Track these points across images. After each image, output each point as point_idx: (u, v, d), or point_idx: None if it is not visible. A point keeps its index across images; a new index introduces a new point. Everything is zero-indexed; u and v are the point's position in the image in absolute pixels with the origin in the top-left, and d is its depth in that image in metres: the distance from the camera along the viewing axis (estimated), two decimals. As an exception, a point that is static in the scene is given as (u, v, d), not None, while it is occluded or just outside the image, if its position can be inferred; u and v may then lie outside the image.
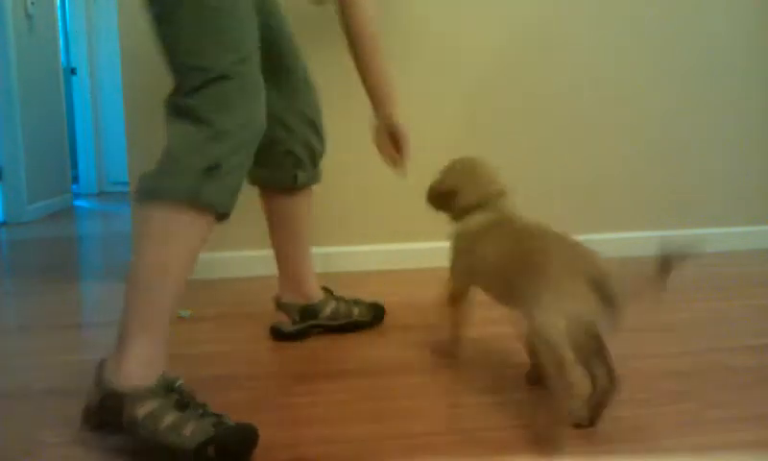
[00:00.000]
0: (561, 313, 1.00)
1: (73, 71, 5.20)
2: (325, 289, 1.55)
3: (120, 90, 2.05)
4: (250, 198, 2.08)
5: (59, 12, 4.58)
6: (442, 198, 1.33)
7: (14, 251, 2.78)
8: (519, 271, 1.10)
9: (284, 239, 1.49)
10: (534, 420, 1.09)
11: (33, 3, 3.80)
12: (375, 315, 1.59)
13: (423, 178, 1.44)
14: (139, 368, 1.00)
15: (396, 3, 2.12)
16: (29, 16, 3.78)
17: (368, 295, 1.70)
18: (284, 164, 1.42)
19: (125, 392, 0.97)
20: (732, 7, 2.35)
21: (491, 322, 1.61)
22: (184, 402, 0.99)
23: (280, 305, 1.52)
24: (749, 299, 1.81)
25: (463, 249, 1.28)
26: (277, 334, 1.50)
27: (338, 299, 1.56)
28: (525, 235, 1.17)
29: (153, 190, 1.03)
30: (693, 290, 1.92)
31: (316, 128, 1.47)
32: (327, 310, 1.53)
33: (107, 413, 0.98)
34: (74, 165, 5.17)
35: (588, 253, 1.07)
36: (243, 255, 2.11)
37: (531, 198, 2.29)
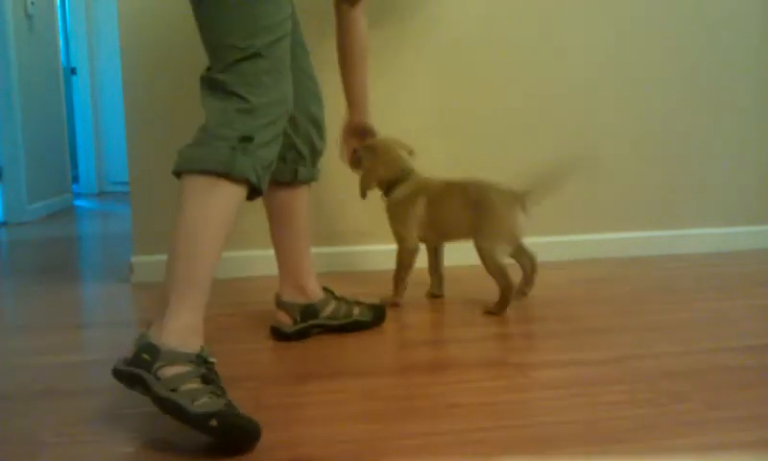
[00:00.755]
0: (501, 238, 1.64)
1: (73, 71, 5.20)
2: (326, 289, 1.55)
3: (120, 90, 2.05)
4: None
5: (59, 12, 4.59)
6: (369, 180, 1.71)
7: (14, 251, 2.78)
8: (471, 212, 1.65)
9: (284, 235, 1.50)
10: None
11: (33, 3, 3.80)
12: (376, 316, 1.59)
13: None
14: (184, 332, 1.04)
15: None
16: (29, 16, 3.79)
17: (367, 294, 1.70)
18: (286, 158, 1.43)
19: (163, 349, 1.01)
20: (732, 7, 2.35)
21: (491, 322, 1.61)
22: (210, 378, 1.02)
23: (280, 304, 1.52)
24: (749, 299, 1.81)
25: (399, 214, 1.70)
26: (278, 335, 1.50)
27: (339, 299, 1.56)
28: (460, 188, 1.68)
29: (189, 160, 1.08)
30: (693, 290, 1.92)
31: (319, 125, 1.48)
32: (328, 310, 1.53)
33: (137, 364, 1.01)
34: (74, 165, 5.17)
35: (509, 188, 1.66)
36: (243, 255, 2.11)
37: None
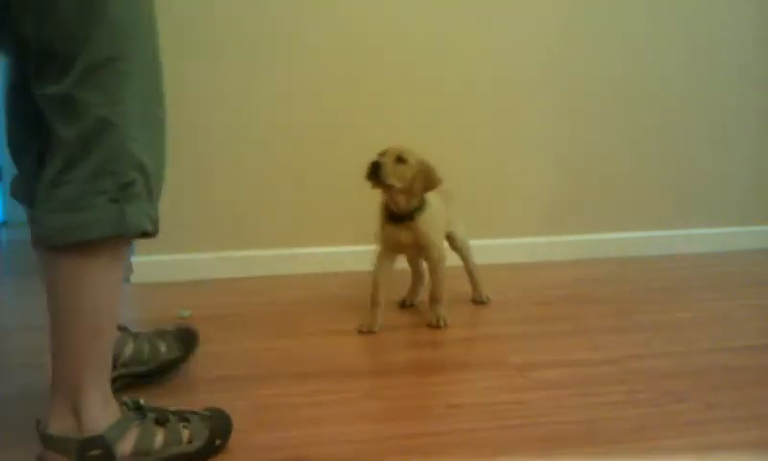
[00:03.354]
0: (440, 234, 1.63)
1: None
2: (120, 328, 1.21)
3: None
4: (248, 199, 2.09)
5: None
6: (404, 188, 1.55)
7: (14, 251, 2.78)
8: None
9: None
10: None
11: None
12: (187, 346, 1.31)
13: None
14: (101, 408, 0.91)
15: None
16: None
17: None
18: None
19: (104, 434, 0.89)
20: (732, 7, 2.35)
21: (491, 322, 1.61)
22: (163, 418, 0.97)
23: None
24: (749, 299, 1.81)
25: (438, 226, 1.64)
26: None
27: (136, 336, 1.26)
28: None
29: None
30: (693, 290, 1.92)
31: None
32: (126, 354, 1.22)
33: None
34: (74, 165, 5.15)
35: (441, 196, 1.62)
36: (243, 255, 2.10)
37: (530, 198, 2.30)
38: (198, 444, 0.97)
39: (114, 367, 1.18)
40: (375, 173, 1.43)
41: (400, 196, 1.50)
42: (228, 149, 2.05)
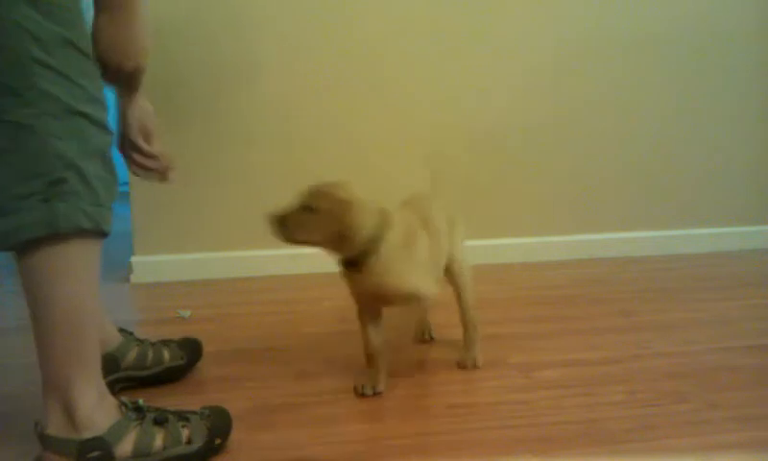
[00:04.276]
0: (413, 271, 1.17)
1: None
2: (123, 331, 1.26)
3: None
4: (248, 199, 2.09)
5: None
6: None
7: (14, 251, 2.77)
8: None
9: None
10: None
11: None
12: (191, 355, 1.31)
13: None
14: (96, 407, 0.91)
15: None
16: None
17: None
18: None
19: (103, 435, 0.90)
20: (732, 6, 2.35)
21: (491, 322, 1.61)
22: (162, 418, 0.97)
23: None
24: (749, 299, 1.81)
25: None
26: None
27: (141, 342, 1.27)
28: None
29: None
30: (693, 290, 1.92)
31: None
32: (130, 358, 1.23)
33: None
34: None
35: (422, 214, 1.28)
36: (243, 255, 2.10)
37: (530, 198, 2.30)
38: (197, 444, 0.97)
39: (117, 370, 1.20)
40: (279, 228, 1.11)
41: (328, 247, 1.13)
42: (229, 149, 2.05)
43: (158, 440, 0.95)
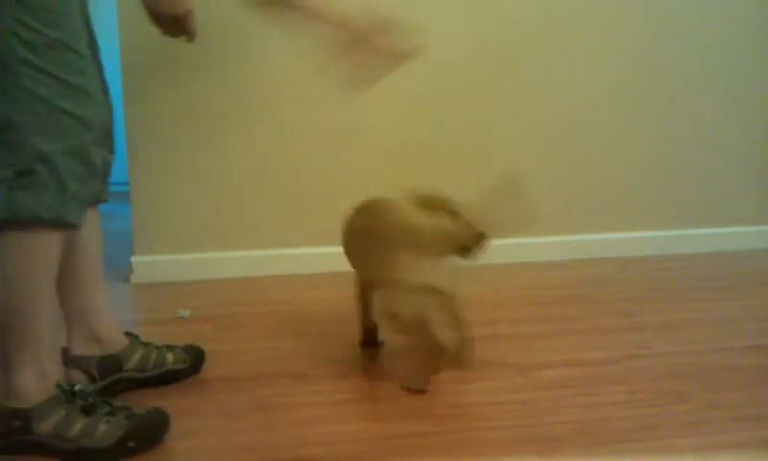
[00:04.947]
0: None
1: (73, 71, 5.19)
2: (129, 334, 1.28)
3: (120, 91, 2.04)
4: (249, 199, 2.09)
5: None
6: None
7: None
8: None
9: (63, 268, 1.08)
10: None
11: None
12: (194, 360, 1.32)
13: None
14: (33, 384, 0.99)
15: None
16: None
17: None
18: None
19: (27, 408, 0.97)
20: (732, 6, 2.35)
21: (491, 322, 1.61)
22: (90, 406, 1.00)
23: (70, 361, 1.18)
24: (749, 299, 1.81)
25: None
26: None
27: (146, 345, 1.28)
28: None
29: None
30: (693, 290, 1.92)
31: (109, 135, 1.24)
32: (134, 360, 1.24)
33: (13, 434, 0.97)
34: (74, 165, 5.15)
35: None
36: (243, 255, 2.10)
37: (530, 198, 2.29)
38: (108, 442, 0.98)
39: (119, 371, 1.22)
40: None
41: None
42: (229, 149, 2.05)
43: (77, 428, 0.98)
